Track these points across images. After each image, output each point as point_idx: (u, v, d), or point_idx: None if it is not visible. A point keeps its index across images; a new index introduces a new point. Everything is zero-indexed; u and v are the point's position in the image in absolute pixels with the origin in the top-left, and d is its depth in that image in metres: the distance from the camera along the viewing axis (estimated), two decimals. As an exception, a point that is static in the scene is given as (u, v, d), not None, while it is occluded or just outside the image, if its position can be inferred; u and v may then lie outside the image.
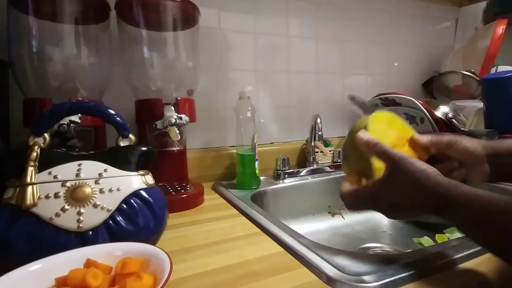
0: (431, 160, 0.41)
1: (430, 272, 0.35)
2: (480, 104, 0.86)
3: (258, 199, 0.71)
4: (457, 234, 0.66)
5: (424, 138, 0.43)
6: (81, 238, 0.36)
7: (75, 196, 0.37)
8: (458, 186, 0.31)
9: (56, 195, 0.36)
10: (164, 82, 0.68)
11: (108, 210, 0.38)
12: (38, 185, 0.36)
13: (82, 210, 0.36)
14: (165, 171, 0.69)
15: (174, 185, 0.68)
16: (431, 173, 0.33)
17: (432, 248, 0.43)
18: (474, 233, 0.31)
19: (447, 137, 0.42)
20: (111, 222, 0.38)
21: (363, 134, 0.38)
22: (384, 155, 0.36)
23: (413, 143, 0.43)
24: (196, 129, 0.82)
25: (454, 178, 0.36)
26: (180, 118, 0.61)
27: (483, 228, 0.29)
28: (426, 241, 0.65)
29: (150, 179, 0.43)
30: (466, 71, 0.99)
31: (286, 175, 0.83)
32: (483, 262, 0.38)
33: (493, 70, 0.92)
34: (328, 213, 0.82)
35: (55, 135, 0.47)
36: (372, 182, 0.38)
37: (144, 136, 0.67)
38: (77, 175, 0.38)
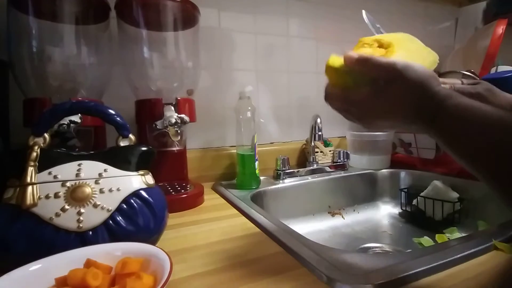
0: None
1: (430, 272, 0.35)
2: (480, 104, 0.85)
3: (258, 199, 0.71)
4: (457, 234, 0.66)
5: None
6: (81, 238, 0.36)
7: (75, 196, 0.37)
8: (455, 97, 0.31)
9: (56, 195, 0.36)
10: (164, 82, 0.68)
11: (108, 210, 0.38)
12: (38, 185, 0.36)
13: (82, 210, 0.36)
14: (165, 171, 0.69)
15: (174, 185, 0.68)
16: (433, 82, 0.32)
17: (432, 248, 0.43)
18: (459, 145, 0.30)
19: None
20: (111, 222, 0.38)
21: (351, 53, 0.35)
22: (381, 66, 0.33)
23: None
24: (196, 129, 0.82)
25: None
26: (180, 118, 0.61)
27: (470, 139, 0.29)
28: (426, 241, 0.65)
29: (150, 179, 0.43)
30: (466, 71, 0.99)
31: (286, 175, 0.83)
32: (483, 262, 0.38)
33: (493, 70, 0.91)
34: (328, 213, 0.82)
35: (55, 135, 0.47)
36: (363, 91, 0.35)
37: (144, 136, 0.67)
38: (77, 175, 0.38)
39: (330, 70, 0.37)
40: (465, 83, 0.43)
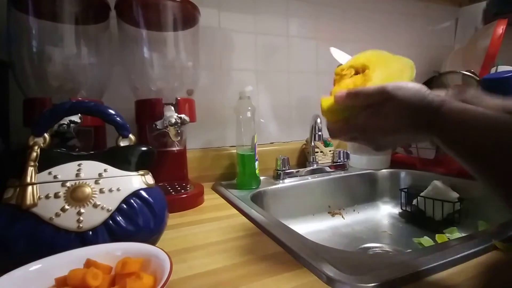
0: None
1: (430, 272, 0.35)
2: (480, 104, 0.85)
3: (258, 199, 0.71)
4: (457, 234, 0.66)
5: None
6: (81, 238, 0.36)
7: (75, 196, 0.37)
8: (448, 102, 0.32)
9: (56, 195, 0.36)
10: (164, 82, 0.68)
11: (108, 210, 0.38)
12: (38, 185, 0.36)
13: (82, 210, 0.36)
14: (165, 171, 0.69)
15: (174, 185, 0.68)
16: (425, 93, 0.34)
17: (432, 248, 0.43)
18: (458, 147, 0.32)
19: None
20: (111, 222, 0.38)
21: (339, 92, 0.38)
22: (372, 94, 0.35)
23: None
24: (196, 129, 0.82)
25: None
26: (180, 118, 0.61)
27: (466, 141, 0.31)
28: (426, 241, 0.65)
29: (150, 179, 0.43)
30: (466, 71, 0.99)
31: (286, 175, 0.83)
32: (483, 262, 0.38)
33: (493, 70, 0.91)
34: (328, 213, 0.82)
35: (55, 135, 0.47)
36: (361, 116, 0.37)
37: (144, 136, 0.67)
38: (77, 175, 0.38)
39: (325, 112, 0.40)
40: (451, 92, 0.44)
